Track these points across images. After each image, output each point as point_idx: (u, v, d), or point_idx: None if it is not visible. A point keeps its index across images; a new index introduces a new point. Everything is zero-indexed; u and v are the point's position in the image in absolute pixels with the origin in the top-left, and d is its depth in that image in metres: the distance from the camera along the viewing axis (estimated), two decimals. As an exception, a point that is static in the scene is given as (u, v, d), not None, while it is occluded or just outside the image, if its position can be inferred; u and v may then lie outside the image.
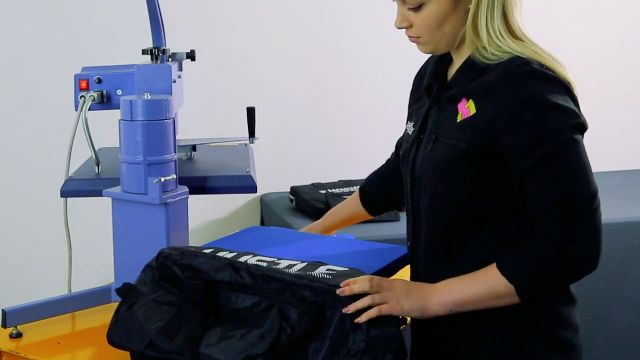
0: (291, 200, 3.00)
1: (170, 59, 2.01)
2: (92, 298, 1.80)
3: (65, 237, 1.90)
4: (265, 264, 1.51)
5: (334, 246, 1.78)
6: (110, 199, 1.76)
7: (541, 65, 1.45)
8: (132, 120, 1.70)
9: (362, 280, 1.43)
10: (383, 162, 1.95)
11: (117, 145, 1.75)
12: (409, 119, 1.68)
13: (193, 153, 2.11)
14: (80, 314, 1.80)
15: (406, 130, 1.66)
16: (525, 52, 1.46)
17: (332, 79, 3.26)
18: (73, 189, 1.87)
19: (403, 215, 2.11)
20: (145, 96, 1.72)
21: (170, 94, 1.83)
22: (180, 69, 2.11)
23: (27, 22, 2.91)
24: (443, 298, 1.46)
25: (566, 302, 1.53)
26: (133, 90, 1.87)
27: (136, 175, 1.71)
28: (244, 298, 1.49)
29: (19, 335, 1.69)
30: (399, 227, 1.63)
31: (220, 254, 1.56)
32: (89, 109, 1.85)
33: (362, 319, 1.39)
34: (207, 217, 3.16)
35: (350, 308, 1.40)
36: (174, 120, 1.77)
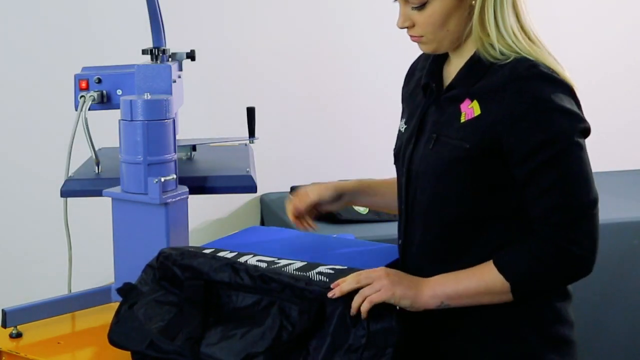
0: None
1: (170, 59, 2.01)
2: (92, 298, 1.80)
3: (65, 237, 1.90)
4: (264, 265, 1.51)
5: (334, 246, 1.78)
6: (110, 199, 1.76)
7: (547, 67, 1.44)
8: (132, 120, 1.70)
9: (351, 278, 1.43)
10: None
11: (117, 145, 1.75)
12: (402, 114, 1.68)
13: (193, 153, 2.11)
14: (80, 314, 1.80)
15: (399, 128, 1.66)
16: (533, 54, 1.46)
17: (332, 79, 3.26)
18: (73, 189, 1.87)
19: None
20: (145, 96, 1.72)
21: (170, 94, 1.83)
22: (180, 69, 2.11)
23: (27, 22, 2.91)
24: (436, 290, 1.46)
25: (562, 298, 1.54)
26: (133, 90, 1.87)
27: (136, 175, 1.71)
28: (244, 297, 1.49)
29: (19, 335, 1.69)
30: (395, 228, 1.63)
31: (220, 254, 1.56)
32: (89, 109, 1.85)
33: (363, 315, 1.40)
34: (207, 217, 3.16)
35: (352, 311, 1.41)
36: (174, 120, 1.77)
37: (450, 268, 1.49)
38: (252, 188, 1.92)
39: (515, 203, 1.46)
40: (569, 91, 1.45)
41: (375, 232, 2.56)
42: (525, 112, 1.41)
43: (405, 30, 1.53)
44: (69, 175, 1.89)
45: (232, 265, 1.51)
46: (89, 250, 2.50)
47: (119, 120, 1.73)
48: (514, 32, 1.46)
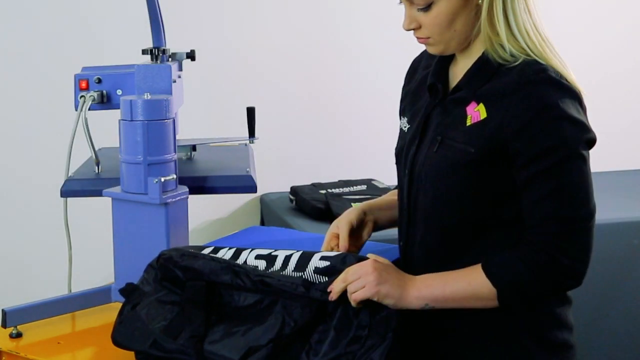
0: (291, 200, 3.00)
1: (170, 59, 2.01)
2: (92, 298, 1.80)
3: (65, 237, 1.90)
4: (263, 263, 1.51)
5: (334, 246, 1.78)
6: (110, 199, 1.76)
7: (556, 72, 1.42)
8: (132, 120, 1.70)
9: (339, 280, 1.43)
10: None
11: (117, 145, 1.75)
12: (402, 114, 1.65)
13: (193, 153, 2.11)
14: (80, 314, 1.80)
15: (401, 127, 1.64)
16: (544, 55, 1.43)
17: (332, 79, 3.26)
18: (73, 189, 1.87)
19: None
20: (145, 96, 1.72)
21: (170, 94, 1.83)
22: (180, 69, 2.11)
23: (27, 22, 2.91)
24: (422, 291, 1.44)
25: (562, 303, 1.53)
26: (133, 90, 1.87)
27: (136, 175, 1.71)
28: (246, 296, 1.50)
29: (19, 335, 1.69)
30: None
31: (220, 253, 1.56)
32: (89, 109, 1.85)
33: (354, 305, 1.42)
34: (207, 217, 3.16)
35: (333, 296, 1.42)
36: (174, 120, 1.77)
37: (450, 270, 1.48)
38: (252, 188, 1.92)
39: (517, 210, 1.45)
40: (577, 98, 1.43)
41: (376, 232, 2.55)
42: (532, 118, 1.39)
43: (408, 31, 1.51)
44: (69, 175, 1.89)
45: (232, 268, 1.51)
46: (89, 250, 2.50)
47: (119, 120, 1.73)
48: (527, 32, 1.44)
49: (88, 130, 1.82)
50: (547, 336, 1.50)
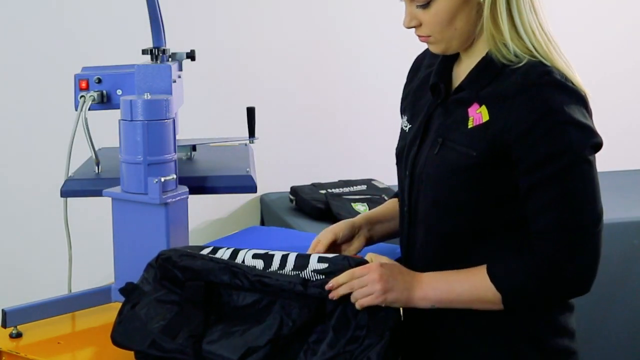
0: (291, 200, 3.00)
1: (170, 59, 2.01)
2: (92, 298, 1.79)
3: (65, 237, 1.90)
4: (260, 264, 1.51)
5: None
6: (110, 199, 1.76)
7: (561, 75, 1.39)
8: (132, 120, 1.70)
9: (344, 279, 1.42)
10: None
11: (117, 145, 1.75)
12: (403, 113, 1.63)
13: (193, 153, 2.11)
14: (80, 314, 1.80)
15: (402, 127, 1.62)
16: (550, 56, 1.40)
17: (332, 79, 3.26)
18: (73, 189, 1.87)
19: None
20: (145, 96, 1.72)
21: (170, 94, 1.83)
22: (180, 69, 2.11)
23: (27, 22, 2.91)
24: (428, 294, 1.44)
25: (564, 311, 1.51)
26: (133, 90, 1.87)
27: (136, 175, 1.71)
28: (245, 296, 1.50)
29: (19, 335, 1.69)
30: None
31: (219, 253, 1.56)
32: (89, 109, 1.85)
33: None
34: (207, 217, 3.16)
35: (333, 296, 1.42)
36: (174, 120, 1.76)
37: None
38: (252, 188, 1.92)
39: (520, 214, 1.42)
40: (583, 101, 1.40)
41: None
42: (536, 122, 1.36)
43: (408, 30, 1.49)
44: (69, 175, 1.89)
45: (231, 268, 1.51)
46: (89, 250, 2.50)
47: (119, 120, 1.73)
48: (532, 31, 1.41)
49: (88, 130, 1.82)
50: (546, 343, 1.48)
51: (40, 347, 1.66)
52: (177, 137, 1.85)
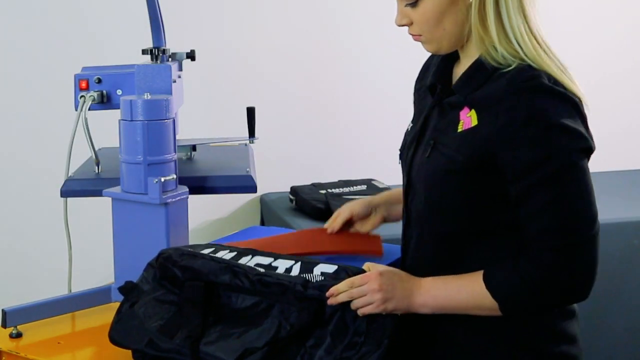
0: (291, 200, 3.00)
1: (170, 59, 2.01)
2: (92, 298, 1.80)
3: (65, 237, 1.90)
4: (262, 268, 1.51)
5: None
6: (110, 199, 1.76)
7: (550, 79, 1.37)
8: (132, 120, 1.70)
9: (344, 287, 1.42)
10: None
11: (117, 145, 1.75)
12: (414, 117, 1.63)
13: (193, 153, 2.11)
14: (80, 314, 1.80)
15: (408, 126, 1.63)
16: (538, 60, 1.38)
17: (332, 79, 3.26)
18: (73, 189, 1.87)
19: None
20: (145, 96, 1.72)
21: (170, 94, 1.83)
22: (180, 69, 2.11)
23: (27, 22, 2.91)
24: (427, 301, 1.44)
25: (563, 316, 1.49)
26: (133, 90, 1.87)
27: (136, 175, 1.71)
28: (244, 298, 1.50)
29: (19, 335, 1.69)
30: (399, 228, 1.62)
31: (220, 254, 1.56)
32: (89, 109, 1.85)
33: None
34: (207, 217, 3.16)
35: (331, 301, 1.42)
36: (174, 120, 1.77)
37: (444, 275, 1.46)
38: (252, 188, 1.92)
39: (511, 219, 1.40)
40: (573, 106, 1.37)
41: (378, 232, 2.55)
42: (521, 127, 1.34)
43: (400, 27, 1.49)
44: (69, 175, 1.89)
45: (232, 268, 1.51)
46: (89, 250, 2.50)
47: (119, 120, 1.73)
48: (521, 34, 1.38)
49: (88, 130, 1.82)
50: (544, 348, 1.47)
51: (40, 347, 1.66)
52: (177, 137, 1.85)
